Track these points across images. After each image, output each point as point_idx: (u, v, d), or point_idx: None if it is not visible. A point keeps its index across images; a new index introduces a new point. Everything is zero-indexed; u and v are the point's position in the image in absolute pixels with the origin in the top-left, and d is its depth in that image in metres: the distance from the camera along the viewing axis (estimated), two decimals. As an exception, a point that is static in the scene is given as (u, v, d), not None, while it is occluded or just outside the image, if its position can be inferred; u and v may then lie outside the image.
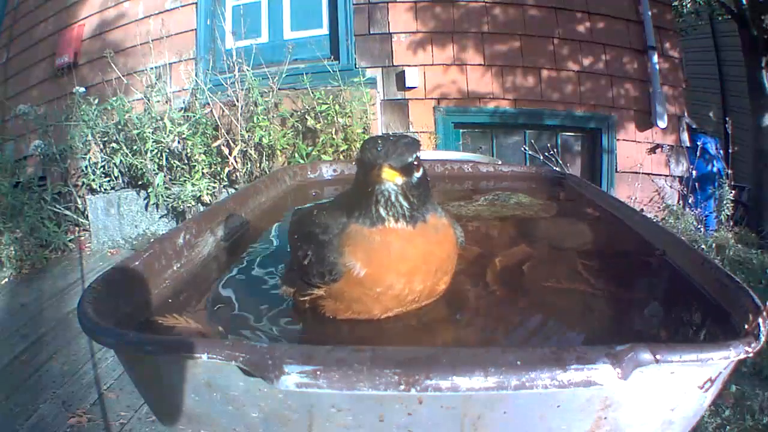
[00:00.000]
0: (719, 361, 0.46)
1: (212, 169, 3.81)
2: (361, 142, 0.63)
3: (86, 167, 3.83)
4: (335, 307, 0.62)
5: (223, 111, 3.77)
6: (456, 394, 0.43)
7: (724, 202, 3.83)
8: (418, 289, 0.60)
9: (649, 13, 4.12)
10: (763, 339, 0.49)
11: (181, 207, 3.72)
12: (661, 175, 4.17)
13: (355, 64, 4.11)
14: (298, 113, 3.80)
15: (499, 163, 1.66)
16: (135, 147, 3.75)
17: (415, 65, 4.11)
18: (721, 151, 4.47)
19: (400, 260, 0.59)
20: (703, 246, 3.26)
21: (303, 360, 0.44)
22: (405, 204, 0.59)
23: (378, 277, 0.59)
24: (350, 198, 0.62)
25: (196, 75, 4.06)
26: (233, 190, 3.63)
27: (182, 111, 3.92)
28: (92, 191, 3.90)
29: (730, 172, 4.03)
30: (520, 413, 0.46)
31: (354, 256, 0.59)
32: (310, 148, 3.71)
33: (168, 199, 3.75)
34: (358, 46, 4.15)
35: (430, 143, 4.11)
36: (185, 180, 3.74)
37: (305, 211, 0.71)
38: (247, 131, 3.69)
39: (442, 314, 0.65)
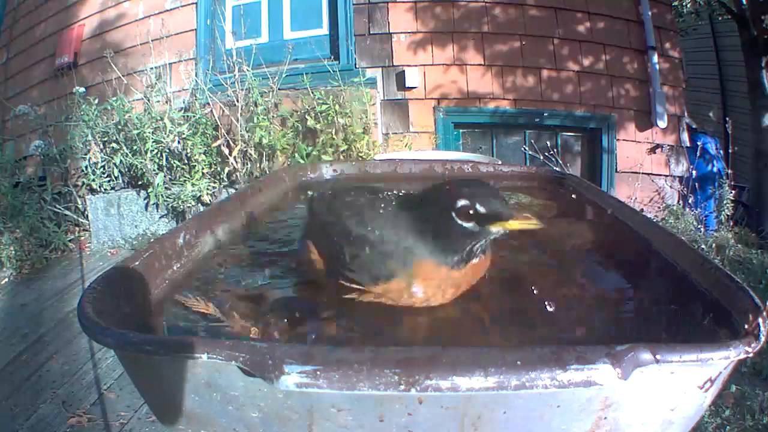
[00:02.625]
0: (719, 361, 0.46)
1: (212, 169, 3.82)
2: (451, 185, 0.66)
3: (86, 167, 3.84)
4: (370, 299, 0.65)
5: (223, 111, 3.78)
6: (456, 394, 0.43)
7: (724, 202, 3.83)
8: (439, 302, 0.66)
9: (649, 13, 4.12)
10: (763, 339, 0.49)
11: (181, 207, 3.72)
12: (661, 175, 4.17)
13: (355, 64, 4.11)
14: (298, 113, 3.80)
15: (499, 163, 1.66)
16: (135, 147, 3.75)
17: (415, 65, 4.11)
18: (721, 151, 4.47)
19: (454, 288, 0.65)
20: (703, 246, 3.26)
21: (303, 360, 0.44)
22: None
23: (425, 299, 0.64)
24: (425, 223, 0.63)
25: (196, 75, 4.07)
26: (233, 190, 3.63)
27: (182, 111, 3.92)
28: (92, 191, 3.90)
29: (730, 172, 4.03)
30: (520, 413, 0.46)
31: (423, 284, 0.63)
32: (310, 148, 3.71)
33: (168, 199, 3.75)
34: (358, 46, 4.15)
35: (430, 143, 4.11)
36: (185, 180, 3.74)
37: (345, 199, 0.70)
38: (247, 131, 3.69)
39: (449, 312, 0.67)
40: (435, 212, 0.63)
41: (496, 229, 0.62)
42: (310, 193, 0.85)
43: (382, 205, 0.67)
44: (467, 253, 0.63)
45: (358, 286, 0.64)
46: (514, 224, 0.61)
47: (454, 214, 0.62)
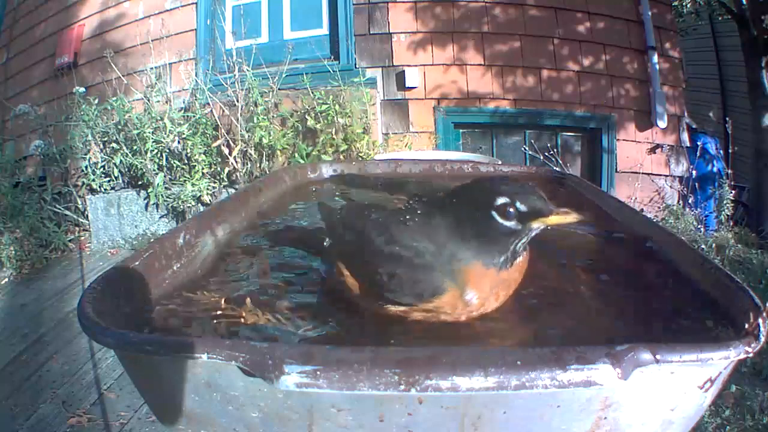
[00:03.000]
0: (719, 361, 0.46)
1: (212, 169, 3.82)
2: (488, 181, 0.64)
3: (86, 167, 3.84)
4: (418, 319, 0.62)
5: (223, 111, 3.78)
6: (456, 394, 0.43)
7: (724, 202, 3.83)
8: (488, 308, 0.63)
9: (649, 13, 4.12)
10: (763, 339, 0.49)
11: (181, 207, 3.72)
12: (661, 175, 4.17)
13: (355, 64, 4.11)
14: (298, 113, 3.80)
15: (499, 163, 1.66)
16: (135, 147, 3.75)
17: (415, 65, 4.11)
18: (721, 151, 4.47)
19: (506, 290, 0.63)
20: (703, 246, 3.26)
21: (303, 360, 0.44)
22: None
23: (481, 304, 0.61)
24: (463, 225, 0.61)
25: (196, 75, 4.07)
26: (233, 190, 3.63)
27: (182, 111, 3.92)
28: (92, 191, 3.90)
29: (730, 172, 4.03)
30: (520, 413, 0.46)
31: (476, 289, 0.60)
32: (310, 148, 3.71)
33: (168, 199, 3.75)
34: (358, 46, 4.15)
35: (430, 143, 4.11)
36: (185, 180, 3.74)
37: (369, 217, 0.67)
38: (247, 131, 3.69)
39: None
40: (473, 213, 0.60)
41: (537, 225, 0.60)
42: (322, 207, 0.81)
43: (408, 217, 0.64)
44: (512, 252, 0.61)
45: (399, 308, 0.61)
46: (554, 219, 0.60)
47: (494, 213, 0.60)
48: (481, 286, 0.60)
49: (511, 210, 0.59)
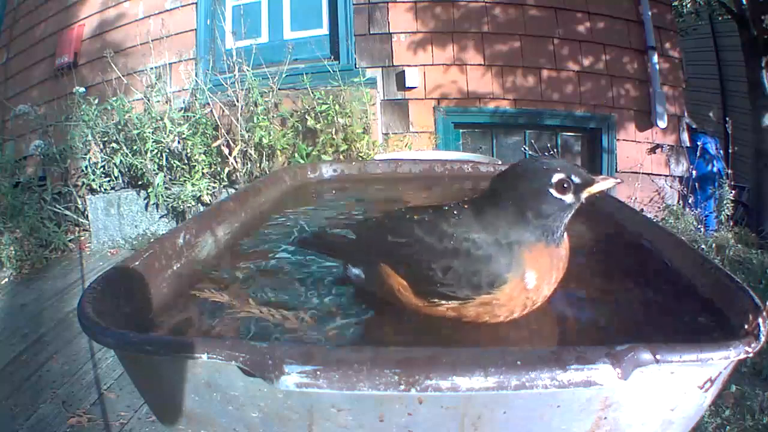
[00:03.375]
0: (719, 361, 0.46)
1: (212, 169, 3.81)
2: (528, 163, 0.63)
3: (86, 167, 3.83)
4: (474, 313, 0.61)
5: (223, 111, 3.78)
6: (456, 394, 0.43)
7: (724, 202, 3.83)
8: (545, 295, 0.63)
9: (649, 13, 4.12)
10: (763, 339, 0.49)
11: (181, 207, 3.72)
12: (661, 175, 4.17)
13: (355, 64, 4.11)
14: (298, 113, 3.80)
15: (499, 163, 1.66)
16: (135, 147, 3.75)
17: (415, 65, 4.11)
18: (721, 151, 4.47)
19: (563, 270, 0.63)
20: (703, 246, 3.26)
21: (303, 360, 0.44)
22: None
23: (539, 287, 0.60)
24: (520, 208, 0.60)
25: (196, 75, 4.06)
26: (233, 190, 3.63)
27: (182, 111, 3.92)
28: (92, 191, 3.90)
29: (730, 172, 4.03)
30: (520, 413, 0.46)
31: (534, 268, 0.60)
32: (310, 148, 3.71)
33: (168, 199, 3.75)
34: (358, 46, 4.15)
35: (430, 143, 4.11)
36: (185, 180, 3.74)
37: (414, 223, 0.65)
38: (247, 131, 3.69)
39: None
40: (529, 194, 0.60)
41: (585, 195, 0.61)
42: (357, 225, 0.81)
43: (455, 212, 0.63)
44: (564, 227, 0.61)
45: (452, 303, 0.60)
46: (597, 187, 0.61)
47: (552, 190, 0.60)
48: (541, 268, 0.60)
49: (567, 185, 0.60)
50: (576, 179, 0.60)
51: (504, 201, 0.61)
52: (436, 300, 0.61)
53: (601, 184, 0.62)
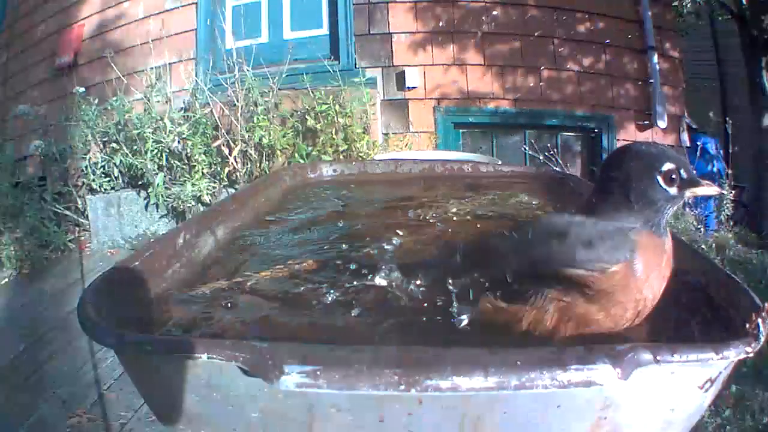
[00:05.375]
0: (719, 362, 0.46)
1: (212, 169, 3.81)
2: (630, 151, 0.61)
3: (86, 167, 3.83)
4: (584, 310, 0.58)
5: (223, 111, 3.77)
6: (456, 394, 0.43)
7: (724, 202, 3.83)
8: (650, 299, 0.59)
9: (649, 13, 4.12)
10: (763, 339, 0.49)
11: (181, 207, 3.72)
12: (661, 175, 4.16)
13: (355, 64, 4.11)
14: (298, 113, 3.80)
15: (499, 163, 1.66)
16: (135, 147, 3.74)
17: (415, 65, 4.11)
18: (721, 151, 4.47)
19: (670, 264, 0.60)
20: (703, 246, 3.26)
21: (303, 360, 0.44)
22: None
23: (648, 278, 0.58)
24: (627, 192, 0.59)
25: (196, 75, 4.06)
26: (233, 190, 3.63)
27: (182, 111, 3.92)
28: (92, 191, 3.90)
29: (730, 172, 4.02)
30: (520, 413, 0.46)
31: (646, 262, 0.57)
32: (310, 148, 3.71)
33: (168, 199, 3.75)
34: (358, 46, 4.15)
35: (430, 143, 4.11)
36: (185, 180, 3.74)
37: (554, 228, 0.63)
38: (247, 131, 3.69)
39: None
40: (637, 178, 0.58)
41: (689, 194, 0.59)
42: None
43: (567, 216, 0.62)
44: (665, 222, 0.59)
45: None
46: (701, 190, 0.60)
47: (659, 178, 0.58)
48: (650, 259, 0.57)
49: (675, 177, 0.59)
50: (684, 174, 0.59)
51: (611, 188, 0.60)
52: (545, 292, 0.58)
53: (705, 189, 0.60)
